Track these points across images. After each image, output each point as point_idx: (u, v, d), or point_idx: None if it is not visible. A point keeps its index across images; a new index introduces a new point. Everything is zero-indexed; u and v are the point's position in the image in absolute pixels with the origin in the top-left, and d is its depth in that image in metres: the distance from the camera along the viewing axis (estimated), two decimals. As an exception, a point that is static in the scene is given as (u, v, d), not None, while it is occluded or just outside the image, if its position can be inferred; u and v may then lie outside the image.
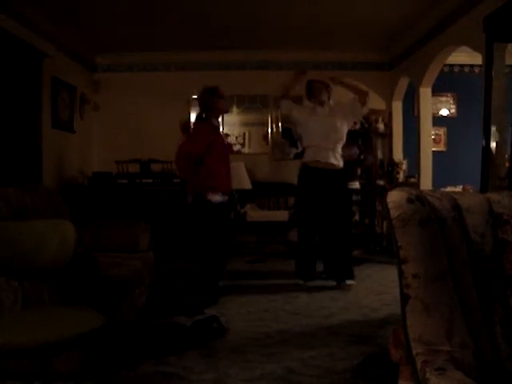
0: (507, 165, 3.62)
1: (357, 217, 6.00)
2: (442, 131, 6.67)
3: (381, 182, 6.12)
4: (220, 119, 6.66)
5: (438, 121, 6.42)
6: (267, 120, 6.60)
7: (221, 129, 5.18)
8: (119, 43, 6.02)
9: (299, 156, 5.47)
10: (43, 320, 1.78)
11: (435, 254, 1.11)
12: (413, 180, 5.87)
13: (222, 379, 2.35)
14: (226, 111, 4.65)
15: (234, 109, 6.62)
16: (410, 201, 1.14)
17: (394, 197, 1.16)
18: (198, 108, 4.29)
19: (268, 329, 3.14)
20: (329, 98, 4.43)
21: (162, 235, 4.61)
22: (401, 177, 6.17)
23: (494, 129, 3.43)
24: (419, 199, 1.16)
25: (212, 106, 4.10)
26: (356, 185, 6.02)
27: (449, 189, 4.83)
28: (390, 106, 6.60)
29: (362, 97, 4.23)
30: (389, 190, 1.29)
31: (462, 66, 6.46)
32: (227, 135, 6.63)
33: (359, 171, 6.19)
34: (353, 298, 3.90)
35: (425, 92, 5.55)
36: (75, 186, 5.79)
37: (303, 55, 6.43)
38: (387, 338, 2.12)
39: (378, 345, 2.76)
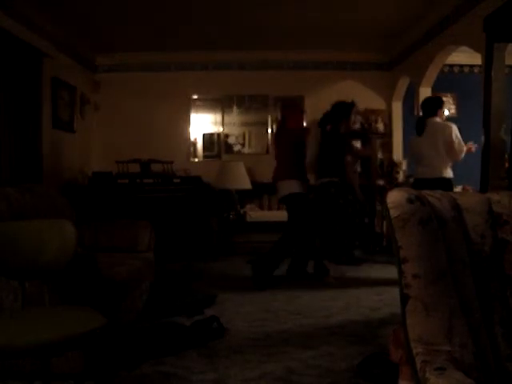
0: (507, 165, 3.62)
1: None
2: (441, 131, 6.66)
3: (380, 182, 6.12)
4: (221, 119, 6.69)
5: (438, 121, 6.41)
6: (267, 120, 6.60)
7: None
8: (119, 43, 6.02)
9: None
10: (43, 320, 1.78)
11: (435, 254, 1.11)
12: (413, 180, 5.86)
13: (222, 379, 2.35)
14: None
15: (234, 109, 6.62)
16: (409, 201, 1.14)
17: (394, 197, 1.16)
18: None
19: (268, 329, 3.13)
20: None
21: (162, 235, 4.60)
22: (401, 177, 6.17)
23: (494, 129, 3.43)
24: (419, 199, 1.16)
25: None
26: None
27: (449, 189, 4.82)
28: (389, 106, 6.60)
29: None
30: (388, 190, 1.29)
31: (461, 66, 6.45)
32: (227, 135, 6.64)
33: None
34: (353, 298, 3.89)
35: (425, 92, 5.54)
36: (75, 185, 5.79)
37: (303, 55, 6.44)
38: (387, 337, 2.12)
39: (378, 345, 2.76)
